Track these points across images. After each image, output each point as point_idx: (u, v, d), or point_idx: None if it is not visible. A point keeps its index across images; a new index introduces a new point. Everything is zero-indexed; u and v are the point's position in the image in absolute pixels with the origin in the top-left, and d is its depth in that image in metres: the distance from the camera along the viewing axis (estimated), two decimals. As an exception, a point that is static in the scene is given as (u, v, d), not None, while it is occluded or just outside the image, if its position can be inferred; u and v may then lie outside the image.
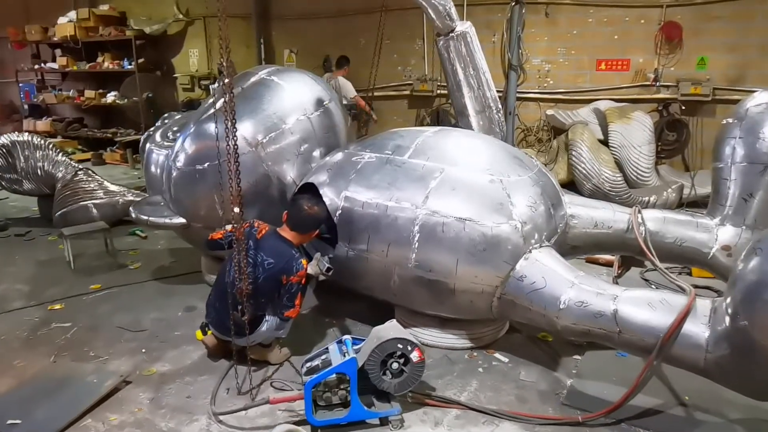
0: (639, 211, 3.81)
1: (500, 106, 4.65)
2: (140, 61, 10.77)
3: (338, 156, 4.05)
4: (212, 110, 4.07)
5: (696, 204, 6.81)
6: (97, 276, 5.12)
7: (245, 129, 3.95)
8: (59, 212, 6.30)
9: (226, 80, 2.89)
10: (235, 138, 2.93)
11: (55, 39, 11.41)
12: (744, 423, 2.96)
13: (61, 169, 6.67)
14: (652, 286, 4.73)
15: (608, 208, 3.93)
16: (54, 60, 11.90)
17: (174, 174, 4.13)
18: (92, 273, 5.21)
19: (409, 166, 3.59)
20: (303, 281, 3.37)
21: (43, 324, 4.20)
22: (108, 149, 11.24)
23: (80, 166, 6.83)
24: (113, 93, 11.39)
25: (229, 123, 2.92)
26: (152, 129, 5.13)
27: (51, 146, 6.81)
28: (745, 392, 2.72)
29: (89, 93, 11.57)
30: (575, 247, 3.86)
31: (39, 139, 6.82)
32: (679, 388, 3.24)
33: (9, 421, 2.99)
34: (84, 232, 5.55)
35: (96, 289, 4.82)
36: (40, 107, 12.49)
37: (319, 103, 4.30)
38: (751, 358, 2.41)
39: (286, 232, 3.47)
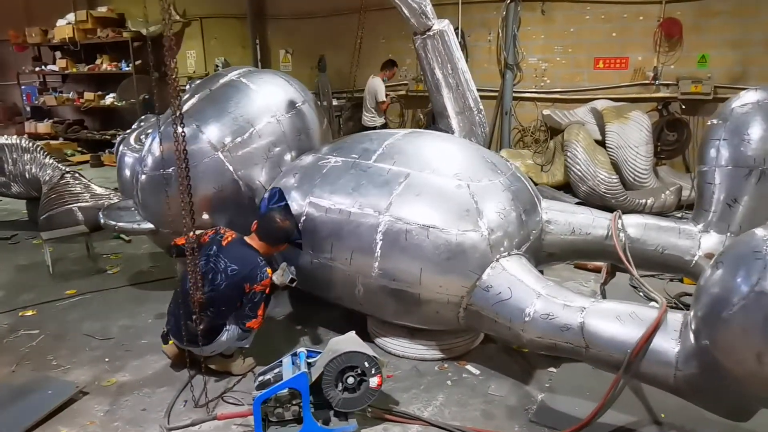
0: (619, 217, 3.63)
1: (481, 107, 4.48)
2: (137, 62, 10.75)
3: (307, 159, 3.92)
4: (179, 113, 3.96)
5: (682, 213, 6.59)
6: (74, 281, 5.06)
7: (211, 132, 3.84)
8: (44, 215, 6.26)
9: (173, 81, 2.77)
10: (184, 142, 2.81)
11: (55, 41, 11.45)
12: (721, 443, 2.79)
13: (48, 171, 6.63)
14: (640, 295, 4.54)
15: (587, 213, 3.76)
16: (54, 62, 11.94)
17: (142, 178, 4.04)
18: (69, 278, 5.14)
19: (374, 170, 3.45)
20: (267, 291, 3.25)
21: (10, 331, 4.14)
22: (107, 151, 11.24)
23: (67, 169, 6.79)
24: (112, 95, 11.41)
25: (179, 127, 2.81)
26: (128, 131, 5.05)
27: (39, 149, 6.77)
28: (718, 412, 2.54)
29: (88, 95, 11.60)
30: (551, 254, 3.70)
31: (27, 142, 6.79)
32: (655, 405, 3.06)
33: (-44, 434, 2.91)
34: (64, 236, 5.49)
35: (70, 295, 4.75)
36: (42, 109, 12.56)
37: (291, 104, 4.18)
38: (719, 378, 2.23)
39: (254, 241, 3.37)
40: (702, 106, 7.26)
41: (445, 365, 3.55)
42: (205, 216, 3.88)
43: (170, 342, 3.49)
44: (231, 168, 3.87)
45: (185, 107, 4.01)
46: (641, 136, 6.94)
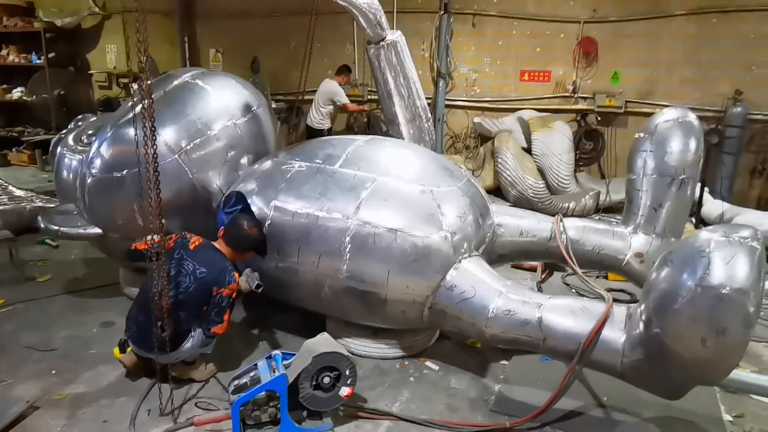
0: (561, 220, 3.97)
1: (430, 115, 4.71)
2: (51, 55, 10.06)
3: (267, 164, 3.94)
4: (132, 113, 3.84)
5: (611, 209, 7.25)
6: (0, 290, 4.71)
7: (168, 135, 3.76)
8: (-43, 220, 5.75)
9: (145, 82, 2.73)
10: (154, 145, 2.77)
11: (-50, 28, 10.44)
12: (656, 421, 3.15)
13: (-42, 172, 6.10)
14: (572, 291, 4.96)
15: (533, 217, 4.08)
16: (-52, 50, 10.86)
17: (89, 181, 3.86)
18: (-5, 287, 4.79)
19: (341, 175, 3.55)
20: (234, 296, 3.25)
21: (-66, 346, 3.81)
22: (14, 149, 10.39)
23: (-20, 170, 6.27)
24: (20, 88, 10.55)
25: (148, 129, 2.76)
26: (64, 131, 4.78)
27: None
28: (657, 393, 2.89)
29: (-8, 88, 10.66)
30: (502, 255, 3.97)
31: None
32: (598, 391, 3.40)
33: None
34: (-15, 242, 5.09)
35: (0, 305, 4.43)
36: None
37: (247, 108, 4.17)
38: (664, 362, 2.56)
39: (221, 246, 3.36)
40: (615, 118, 7.97)
41: (406, 363, 3.72)
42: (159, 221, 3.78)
43: (128, 350, 3.39)
44: (188, 171, 3.81)
45: (137, 108, 3.90)
46: (564, 144, 7.51)
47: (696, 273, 2.28)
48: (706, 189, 6.70)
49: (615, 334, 2.85)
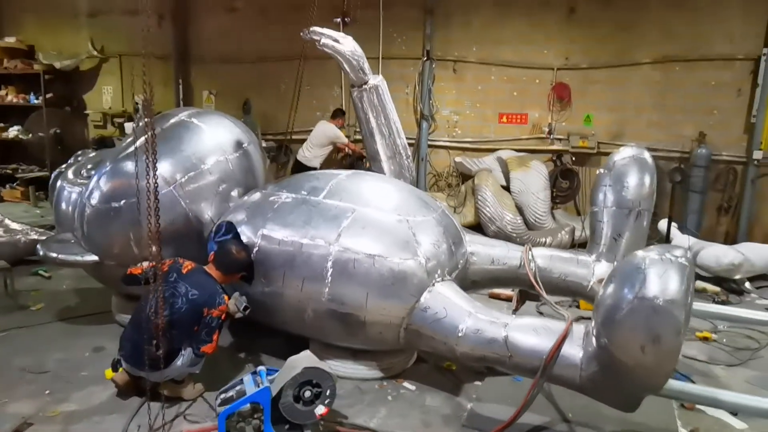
0: (530, 249, 4.27)
1: (409, 152, 5.04)
2: (48, 95, 10.41)
3: (256, 196, 4.23)
4: (131, 149, 4.14)
5: (586, 244, 7.57)
6: (-6, 318, 4.87)
7: (164, 168, 4.03)
8: (-47, 252, 5.92)
9: (146, 119, 3.03)
10: (155, 176, 3.05)
11: (-48, 69, 10.80)
12: (616, 434, 3.38)
13: (-45, 205, 6.31)
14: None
15: (503, 246, 4.38)
16: (-51, 90, 11.19)
17: (88, 211, 4.12)
18: (-11, 315, 4.94)
19: (324, 206, 3.84)
20: (223, 317, 3.48)
21: (-69, 368, 3.96)
22: (7, 186, 10.61)
23: (-23, 204, 6.48)
24: (16, 127, 10.85)
25: (150, 161, 3.04)
26: (64, 166, 5.05)
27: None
28: (615, 405, 3.13)
29: (-12, 126, 10.95)
30: (475, 281, 4.24)
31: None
32: (563, 407, 3.62)
33: None
34: (-19, 271, 5.27)
35: (-6, 331, 4.59)
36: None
37: (238, 144, 4.49)
38: (615, 372, 2.81)
39: (211, 270, 3.62)
40: (588, 158, 8.41)
41: (384, 383, 3.92)
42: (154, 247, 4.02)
43: (120, 370, 3.57)
44: (182, 202, 4.08)
45: (138, 141, 4.20)
46: (540, 182, 7.89)
47: (634, 287, 2.57)
48: (675, 225, 7.07)
49: (573, 350, 3.11)
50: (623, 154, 4.21)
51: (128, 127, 9.76)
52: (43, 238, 6.22)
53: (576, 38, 8.26)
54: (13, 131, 10.83)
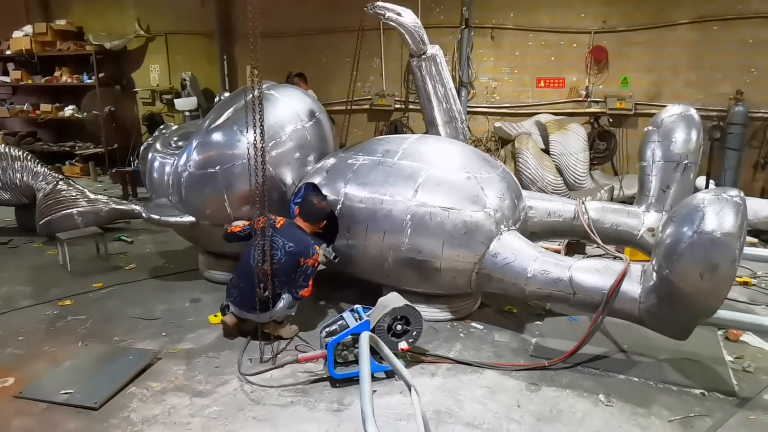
0: (583, 203, 4.65)
1: (465, 117, 5.41)
2: (100, 75, 10.92)
3: (332, 160, 4.67)
4: (219, 120, 4.60)
5: (624, 203, 7.87)
6: (95, 276, 5.45)
7: (251, 137, 4.49)
8: (43, 221, 6.50)
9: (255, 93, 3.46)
10: (263, 141, 3.50)
11: (9, 53, 11.37)
12: (670, 361, 3.80)
13: (40, 179, 6.88)
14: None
15: (558, 200, 4.77)
16: (6, 74, 11.79)
17: (185, 177, 4.60)
18: (89, 274, 5.52)
19: (399, 166, 4.27)
20: (316, 264, 3.97)
21: (58, 318, 4.54)
22: (67, 162, 11.27)
23: (60, 176, 7.06)
24: (71, 107, 11.45)
25: (257, 129, 3.49)
26: (151, 139, 5.55)
27: (29, 157, 7.01)
28: (669, 334, 3.54)
29: (45, 107, 11.55)
30: (533, 233, 4.64)
31: (17, 151, 7.01)
32: (620, 340, 4.06)
33: (62, 392, 3.39)
34: (78, 236, 5.84)
35: (99, 288, 5.17)
36: (-12, 121, 12.29)
37: (312, 114, 4.91)
38: (673, 301, 3.22)
39: (300, 223, 4.08)
40: (626, 120, 8.65)
41: (455, 324, 4.39)
42: (245, 209, 4.52)
43: (228, 313, 4.10)
44: (269, 167, 4.53)
45: (225, 116, 4.66)
46: (579, 144, 8.18)
47: (694, 223, 2.96)
48: (712, 181, 7.34)
49: (632, 287, 3.52)
50: (671, 111, 4.53)
51: (178, 103, 10.25)
52: (122, 206, 6.84)
53: (612, 1, 8.42)
54: (68, 110, 11.42)
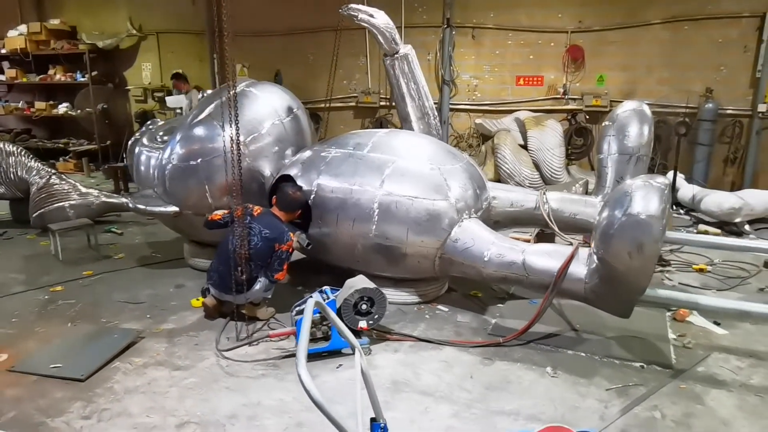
0: (544, 193, 4.95)
1: (436, 113, 5.70)
2: (93, 73, 11.18)
3: (307, 153, 4.95)
4: (202, 116, 4.88)
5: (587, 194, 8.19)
6: (85, 265, 5.73)
7: (230, 132, 4.77)
8: (36, 213, 6.71)
9: (231, 92, 3.75)
10: (238, 136, 3.78)
11: (3, 51, 11.62)
12: (617, 339, 4.10)
13: (34, 173, 7.14)
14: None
15: (521, 191, 5.08)
16: (1, 72, 12.04)
17: (169, 169, 4.88)
18: (80, 263, 5.80)
19: (368, 158, 4.55)
20: (291, 250, 4.26)
21: (49, 302, 4.82)
22: (60, 159, 11.52)
23: (53, 171, 7.32)
24: (65, 104, 11.70)
25: (233, 124, 3.78)
26: (138, 134, 5.83)
27: (24, 152, 7.28)
28: (613, 312, 3.84)
29: (39, 104, 11.81)
30: (497, 222, 4.94)
31: (11, 146, 7.27)
32: (573, 320, 4.36)
33: (51, 366, 3.67)
34: (70, 228, 6.11)
35: (89, 275, 5.45)
36: (-17, 118, 12.54)
37: (290, 110, 5.19)
38: (611, 279, 3.52)
39: (276, 212, 4.37)
40: (602, 116, 8.92)
41: (422, 307, 4.69)
42: (225, 199, 4.80)
43: (208, 296, 4.39)
44: (247, 161, 4.81)
45: (206, 112, 4.94)
46: (556, 140, 8.49)
47: (623, 206, 3.26)
48: (681, 176, 7.65)
49: (579, 268, 3.81)
50: (625, 107, 4.83)
51: (169, 100, 10.51)
52: (113, 199, 7.10)
53: (588, 1, 8.72)
54: (62, 108, 11.68)
